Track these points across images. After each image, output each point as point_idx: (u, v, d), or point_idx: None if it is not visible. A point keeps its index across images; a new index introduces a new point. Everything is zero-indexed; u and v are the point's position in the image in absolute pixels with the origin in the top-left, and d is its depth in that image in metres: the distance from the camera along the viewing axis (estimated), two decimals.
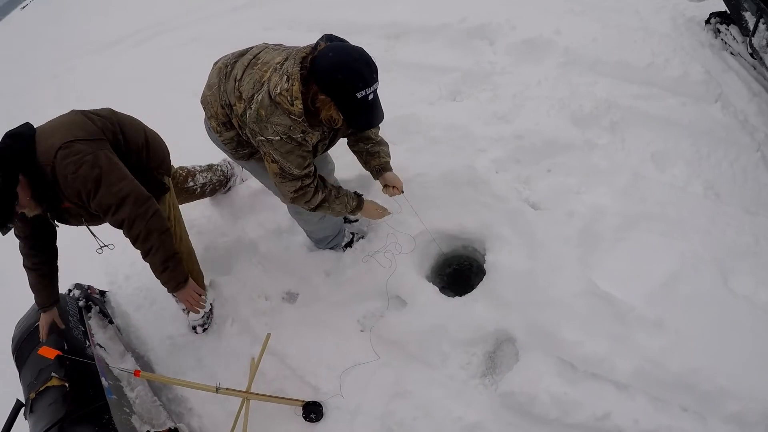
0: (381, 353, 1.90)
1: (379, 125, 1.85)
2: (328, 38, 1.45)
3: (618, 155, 2.11)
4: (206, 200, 2.63)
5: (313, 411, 1.80)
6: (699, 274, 1.76)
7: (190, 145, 3.20)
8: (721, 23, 2.40)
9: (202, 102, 1.70)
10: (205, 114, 1.71)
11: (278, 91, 1.37)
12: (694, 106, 2.19)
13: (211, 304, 2.27)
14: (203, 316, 2.22)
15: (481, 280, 1.99)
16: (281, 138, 1.43)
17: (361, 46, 1.38)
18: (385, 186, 1.89)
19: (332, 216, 2.06)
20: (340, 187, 1.77)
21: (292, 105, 1.37)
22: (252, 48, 1.61)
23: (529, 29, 2.55)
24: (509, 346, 1.85)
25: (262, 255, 2.36)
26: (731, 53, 2.38)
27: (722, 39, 2.41)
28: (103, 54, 6.25)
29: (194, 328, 2.24)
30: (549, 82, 2.30)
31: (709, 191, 2.00)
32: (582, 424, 1.58)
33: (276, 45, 1.60)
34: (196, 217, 2.58)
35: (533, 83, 2.32)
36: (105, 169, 1.53)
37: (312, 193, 1.61)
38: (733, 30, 2.34)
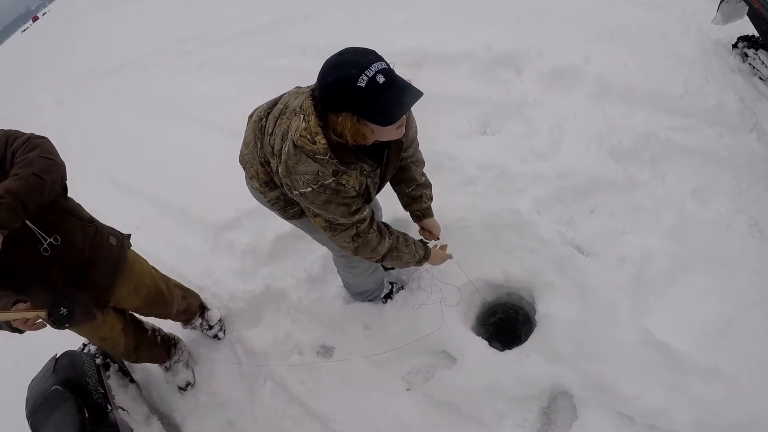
0: (432, 413, 1.81)
1: (423, 161, 1.70)
2: None
3: (659, 192, 2.06)
4: (226, 248, 2.48)
5: (56, 319, 1.31)
6: (751, 316, 1.74)
7: (192, 173, 3.02)
8: (748, 47, 2.36)
9: (241, 162, 1.54)
10: (246, 174, 1.56)
11: (298, 134, 1.22)
12: (730, 136, 2.15)
13: (220, 318, 2.28)
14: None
15: (528, 328, 1.92)
16: (313, 189, 1.27)
17: None
18: (422, 229, 1.80)
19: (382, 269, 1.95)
20: (405, 233, 1.59)
21: (314, 143, 1.21)
22: (283, 95, 1.45)
23: (558, 57, 2.45)
24: (564, 400, 1.79)
25: (291, 305, 2.23)
26: (761, 78, 2.35)
27: (750, 64, 2.38)
28: (106, 80, 6.02)
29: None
30: (584, 115, 2.22)
31: (753, 228, 1.97)
32: None
33: (308, 86, 1.39)
34: (215, 264, 2.43)
35: (569, 116, 2.24)
36: None
37: (376, 241, 1.43)
38: (762, 54, 2.30)
